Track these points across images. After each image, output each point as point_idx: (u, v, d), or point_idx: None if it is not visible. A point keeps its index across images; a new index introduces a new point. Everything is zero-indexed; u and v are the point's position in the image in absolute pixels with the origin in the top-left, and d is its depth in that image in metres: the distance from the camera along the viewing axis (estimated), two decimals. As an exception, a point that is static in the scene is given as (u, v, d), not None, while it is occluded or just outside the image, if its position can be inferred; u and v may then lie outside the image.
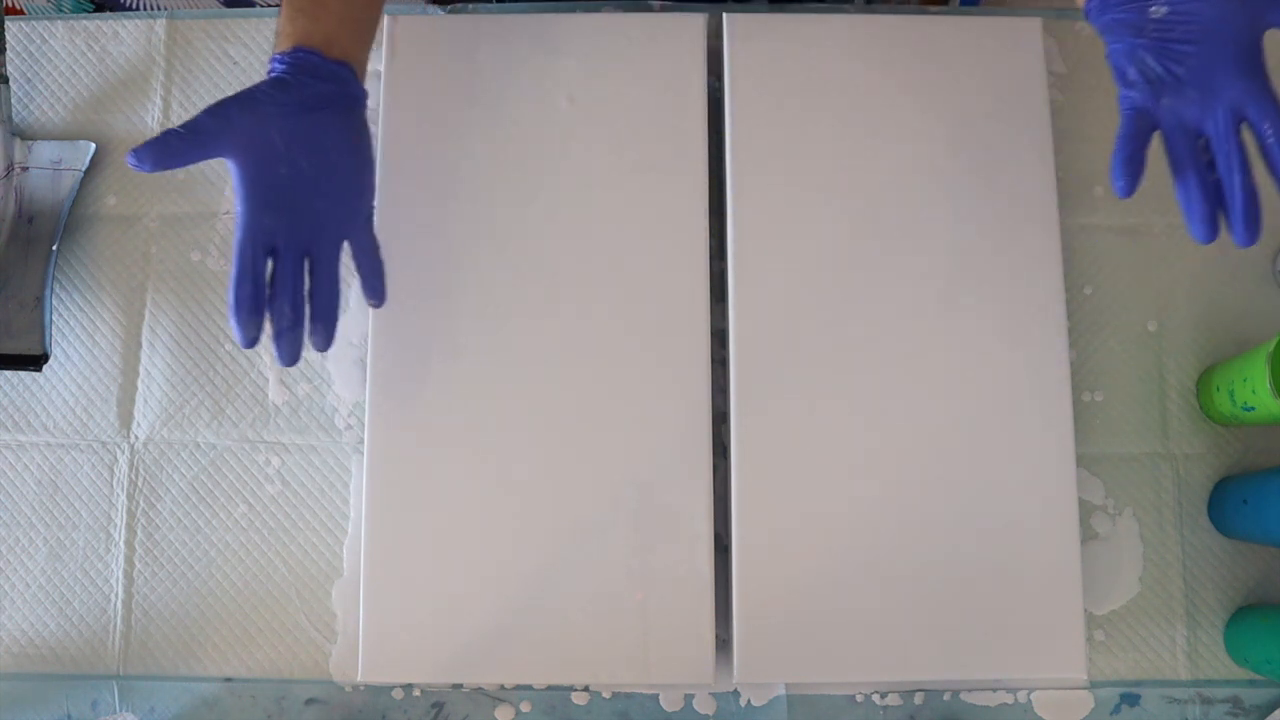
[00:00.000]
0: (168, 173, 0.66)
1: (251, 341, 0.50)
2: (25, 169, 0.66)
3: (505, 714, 0.60)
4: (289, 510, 0.62)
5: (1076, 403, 0.61)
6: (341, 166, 0.53)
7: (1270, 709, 0.60)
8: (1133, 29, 0.47)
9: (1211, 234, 0.46)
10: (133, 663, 0.61)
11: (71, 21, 0.69)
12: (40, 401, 0.64)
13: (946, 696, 0.60)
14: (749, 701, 0.60)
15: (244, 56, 0.68)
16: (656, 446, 0.58)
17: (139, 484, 0.63)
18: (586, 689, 0.60)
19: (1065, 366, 0.59)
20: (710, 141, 0.62)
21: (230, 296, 0.50)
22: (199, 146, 0.50)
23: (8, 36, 0.67)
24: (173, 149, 0.49)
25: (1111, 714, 0.60)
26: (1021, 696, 0.60)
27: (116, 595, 0.62)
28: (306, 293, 0.52)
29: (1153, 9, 0.46)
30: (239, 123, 0.50)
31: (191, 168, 0.66)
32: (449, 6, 0.69)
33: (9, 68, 0.68)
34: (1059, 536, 0.57)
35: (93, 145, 0.66)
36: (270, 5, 0.84)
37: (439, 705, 0.60)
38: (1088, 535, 0.61)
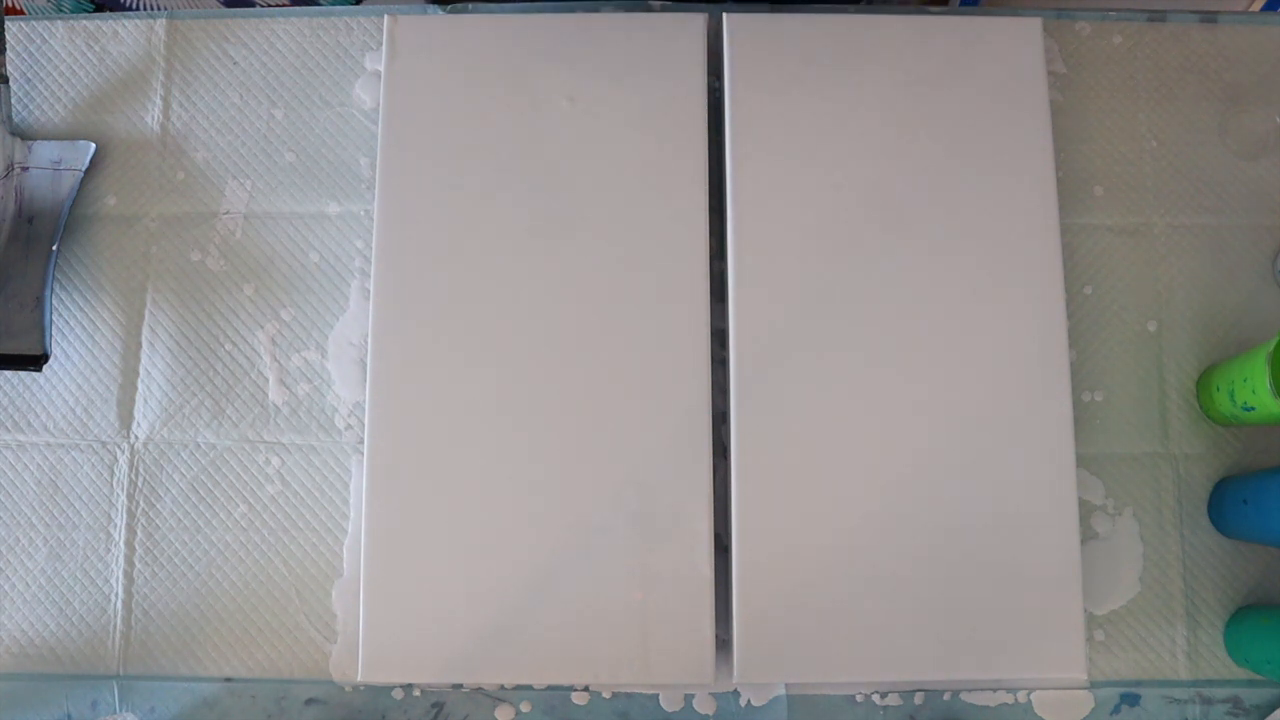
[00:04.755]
0: (168, 173, 0.66)
1: None
2: (25, 169, 0.66)
3: (505, 714, 0.60)
4: (289, 510, 0.62)
5: (1076, 403, 0.61)
6: None
7: (1270, 709, 0.60)
8: None
9: None
10: (133, 663, 0.61)
11: (71, 21, 0.69)
12: (40, 401, 0.64)
13: (946, 696, 0.60)
14: (749, 701, 0.60)
15: (244, 56, 0.68)
16: (656, 446, 0.58)
17: (139, 484, 0.63)
18: (586, 689, 0.60)
19: (1065, 366, 0.59)
20: (710, 141, 0.62)
21: None
22: None
23: (8, 36, 0.67)
24: None
25: (1111, 714, 0.60)
26: (1021, 696, 0.60)
27: (116, 595, 0.62)
28: None
29: None
30: None
31: (190, 168, 0.66)
32: (449, 6, 0.69)
33: (9, 68, 0.68)
34: (1059, 536, 0.57)
35: (93, 145, 0.66)
36: (271, 5, 0.84)
37: (439, 705, 0.60)
38: (1088, 535, 0.61)
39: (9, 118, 0.66)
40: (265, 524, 0.62)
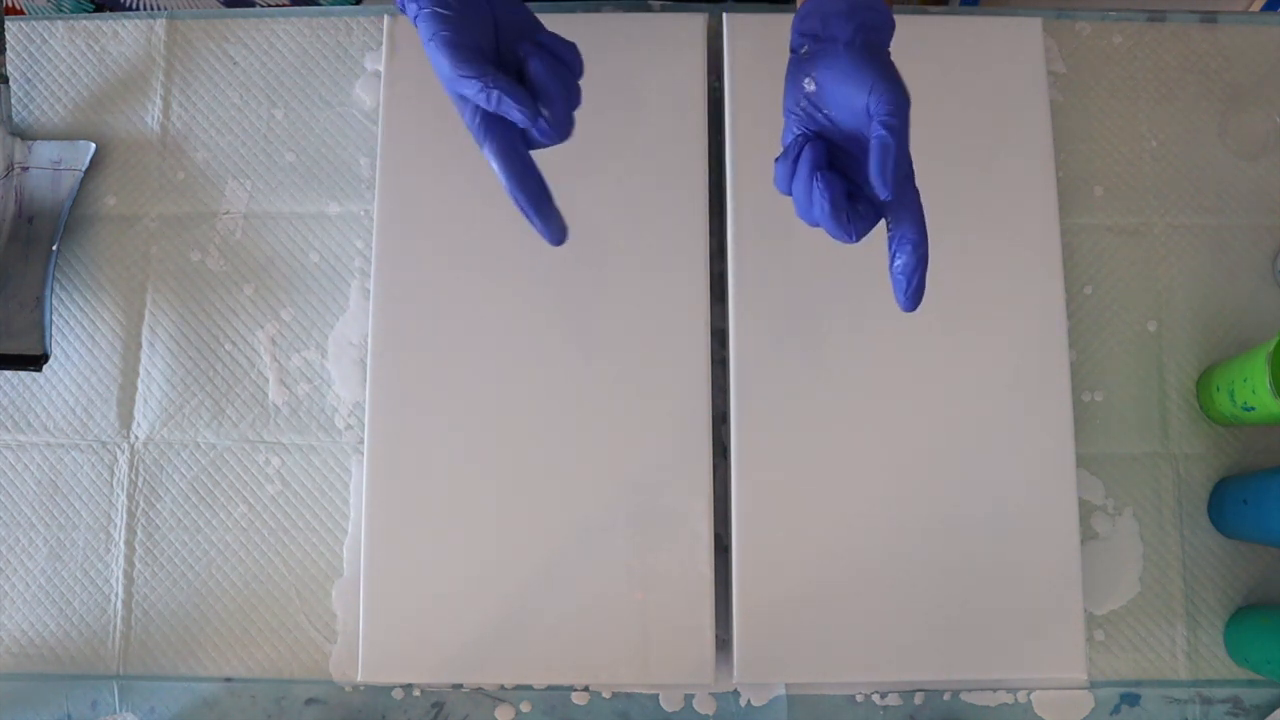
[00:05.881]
0: (168, 173, 0.66)
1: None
2: (25, 169, 0.66)
3: (505, 714, 0.60)
4: (289, 510, 0.62)
5: (1076, 403, 0.61)
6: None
7: (1270, 709, 0.60)
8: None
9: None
10: (133, 663, 0.61)
11: (71, 21, 0.69)
12: (40, 401, 0.64)
13: (946, 696, 0.60)
14: (749, 701, 0.60)
15: (244, 56, 0.68)
16: (656, 447, 0.58)
17: (139, 484, 0.63)
18: (586, 689, 0.60)
19: (1065, 366, 0.59)
20: (710, 141, 0.62)
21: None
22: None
23: (8, 36, 0.67)
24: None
25: (1111, 714, 0.60)
26: (1021, 696, 0.60)
27: (116, 595, 0.62)
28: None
29: (805, 81, 0.47)
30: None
31: (190, 168, 0.66)
32: (449, 6, 0.69)
33: (9, 68, 0.68)
34: (1059, 536, 0.57)
35: (93, 145, 0.66)
36: (270, 5, 0.84)
37: (439, 705, 0.60)
38: (1088, 535, 0.61)
39: (9, 118, 0.66)
40: (265, 524, 0.62)
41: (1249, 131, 0.66)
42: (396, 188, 0.61)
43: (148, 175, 0.67)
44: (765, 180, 0.61)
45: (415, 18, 0.49)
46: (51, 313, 0.63)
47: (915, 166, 0.63)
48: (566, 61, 0.48)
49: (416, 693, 0.60)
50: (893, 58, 0.49)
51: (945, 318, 0.59)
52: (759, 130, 0.61)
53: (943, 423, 0.58)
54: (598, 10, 0.68)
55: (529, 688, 0.60)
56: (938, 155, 0.61)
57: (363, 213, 0.66)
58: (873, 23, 0.47)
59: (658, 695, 0.60)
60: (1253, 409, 0.56)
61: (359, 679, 0.57)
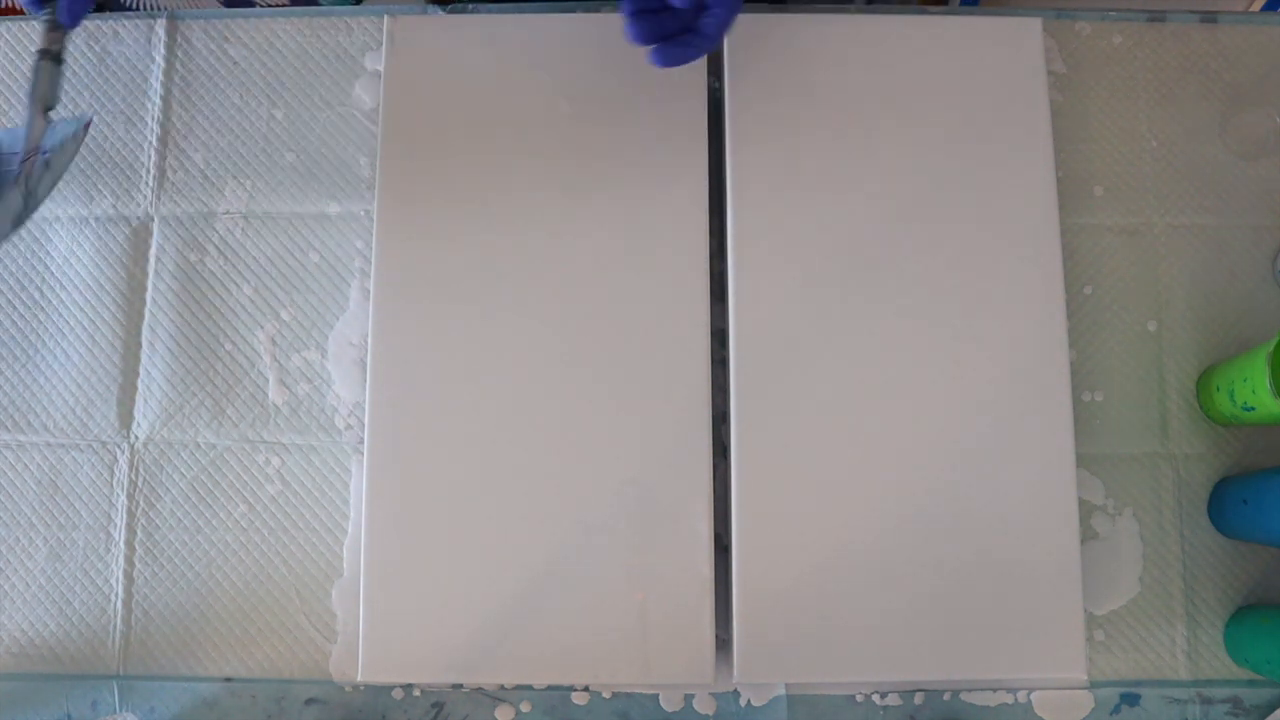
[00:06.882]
0: (168, 173, 0.66)
1: None
2: (44, 153, 0.64)
3: (505, 714, 0.60)
4: (289, 510, 0.62)
5: (1076, 403, 0.61)
6: None
7: (1270, 709, 0.60)
8: None
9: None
10: (133, 663, 0.61)
11: (71, 21, 0.69)
12: (40, 401, 0.64)
13: (946, 696, 0.60)
14: (749, 701, 0.60)
15: (244, 56, 0.68)
16: (656, 446, 0.58)
17: (139, 484, 0.63)
18: (586, 689, 0.60)
19: (1065, 366, 0.59)
20: (710, 141, 0.62)
21: None
22: None
23: (7, 36, 0.67)
24: None
25: (1111, 714, 0.60)
26: (1021, 696, 0.60)
27: (116, 595, 0.62)
28: None
29: None
30: None
31: (190, 168, 0.66)
32: (449, 6, 0.69)
33: (66, 46, 0.61)
34: (1059, 536, 0.57)
35: (89, 116, 0.65)
36: (271, 5, 0.84)
37: (439, 705, 0.60)
38: (1088, 535, 0.61)
39: (55, 98, 0.61)
40: (265, 524, 0.62)
41: (1249, 131, 0.66)
42: (396, 188, 0.61)
43: (148, 175, 0.67)
44: (765, 180, 0.61)
45: None
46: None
47: (913, 167, 0.63)
48: None
49: (416, 693, 0.60)
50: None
51: (945, 318, 0.59)
52: (759, 130, 0.61)
53: (943, 423, 0.58)
54: (597, 10, 0.68)
55: (529, 688, 0.60)
56: (938, 155, 0.62)
57: (363, 213, 0.66)
58: None
59: (658, 695, 0.60)
60: (1253, 409, 0.56)
61: (359, 679, 0.57)
